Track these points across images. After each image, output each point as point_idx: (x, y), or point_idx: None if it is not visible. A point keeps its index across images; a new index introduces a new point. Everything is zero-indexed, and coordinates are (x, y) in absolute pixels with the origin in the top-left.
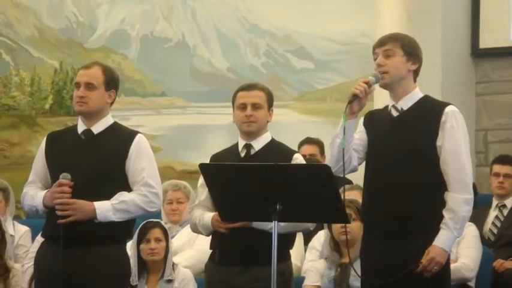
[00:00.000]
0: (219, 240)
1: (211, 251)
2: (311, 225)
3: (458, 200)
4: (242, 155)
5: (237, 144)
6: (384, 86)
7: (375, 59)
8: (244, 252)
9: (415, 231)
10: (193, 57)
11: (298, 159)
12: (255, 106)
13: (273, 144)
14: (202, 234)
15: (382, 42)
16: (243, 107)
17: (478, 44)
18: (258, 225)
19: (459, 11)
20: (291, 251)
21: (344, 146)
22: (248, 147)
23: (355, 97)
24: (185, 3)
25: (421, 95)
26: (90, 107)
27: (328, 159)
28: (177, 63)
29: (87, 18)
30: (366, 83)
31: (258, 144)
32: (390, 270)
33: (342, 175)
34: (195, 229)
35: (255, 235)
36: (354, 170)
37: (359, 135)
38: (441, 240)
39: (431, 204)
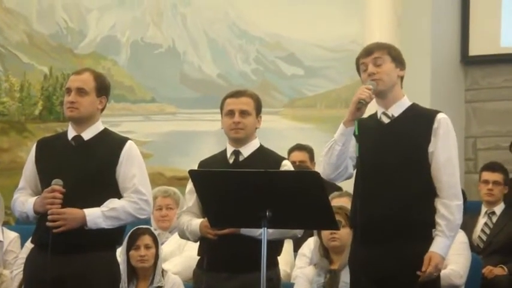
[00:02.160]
0: (207, 247)
1: (199, 257)
2: (299, 232)
3: (452, 207)
4: (230, 161)
5: (225, 151)
6: (378, 94)
7: (364, 70)
8: (232, 259)
9: (406, 237)
10: (183, 63)
11: (286, 165)
12: (243, 113)
13: (261, 151)
14: (189, 240)
15: (369, 52)
16: (231, 113)
17: (468, 51)
18: (246, 231)
19: (449, 18)
20: (280, 258)
21: (357, 154)
22: (236, 153)
23: (361, 103)
24: (175, 10)
25: (409, 103)
26: (80, 112)
27: (325, 167)
28: (167, 70)
29: (78, 24)
30: (369, 89)
31: (247, 150)
32: (380, 276)
33: (337, 182)
34: (182, 235)
35: (243, 242)
36: (350, 176)
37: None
38: (440, 246)
39: (423, 209)
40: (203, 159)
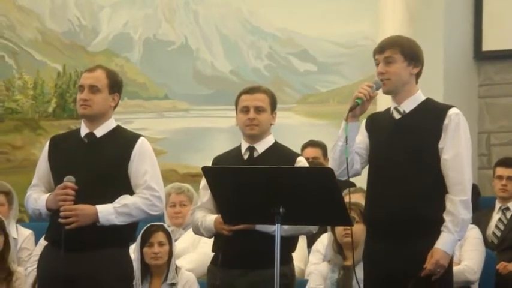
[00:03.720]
0: (221, 243)
1: (213, 253)
2: (314, 229)
3: (456, 202)
4: (245, 157)
5: (240, 147)
6: (387, 93)
7: (376, 65)
8: (246, 255)
9: (419, 233)
10: (196, 60)
11: (301, 162)
12: (258, 109)
13: (276, 147)
14: (204, 236)
15: (381, 49)
16: (246, 110)
17: (481, 46)
18: (261, 228)
19: (462, 14)
20: (294, 254)
21: (347, 155)
22: (251, 150)
23: (357, 103)
24: (188, 6)
25: (423, 98)
26: (93, 109)
27: (331, 163)
28: (180, 66)
29: (90, 22)
30: (370, 86)
31: (261, 147)
32: (393, 272)
33: (345, 178)
34: (196, 231)
35: (258, 238)
36: (357, 173)
37: (361, 138)
38: (442, 242)
39: (434, 205)
40: (217, 155)
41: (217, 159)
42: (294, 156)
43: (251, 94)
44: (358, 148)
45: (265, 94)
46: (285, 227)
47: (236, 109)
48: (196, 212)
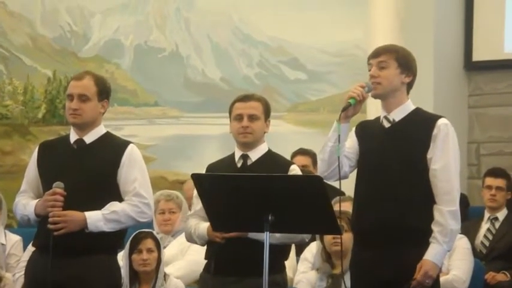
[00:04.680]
0: (214, 250)
1: (205, 261)
2: (306, 237)
3: (444, 212)
4: (238, 165)
5: (233, 155)
6: (376, 97)
7: (370, 70)
8: (239, 263)
9: (406, 242)
10: (186, 67)
11: (294, 170)
12: (252, 117)
13: (269, 155)
14: (197, 243)
15: (376, 53)
16: (240, 118)
17: (471, 56)
18: (254, 235)
19: (452, 24)
20: None
21: (339, 154)
22: (245, 157)
23: (349, 103)
24: (179, 14)
25: (413, 107)
26: (83, 118)
27: (319, 164)
28: (170, 73)
29: (81, 28)
30: (363, 87)
31: (255, 154)
32: (381, 281)
33: (333, 180)
34: (190, 238)
35: (251, 245)
36: (345, 176)
37: (351, 143)
38: (432, 253)
39: (422, 215)
40: (211, 163)
41: (210, 167)
42: (287, 164)
43: (245, 102)
44: (348, 152)
45: (259, 102)
46: (277, 235)
47: (230, 117)
48: (190, 220)
